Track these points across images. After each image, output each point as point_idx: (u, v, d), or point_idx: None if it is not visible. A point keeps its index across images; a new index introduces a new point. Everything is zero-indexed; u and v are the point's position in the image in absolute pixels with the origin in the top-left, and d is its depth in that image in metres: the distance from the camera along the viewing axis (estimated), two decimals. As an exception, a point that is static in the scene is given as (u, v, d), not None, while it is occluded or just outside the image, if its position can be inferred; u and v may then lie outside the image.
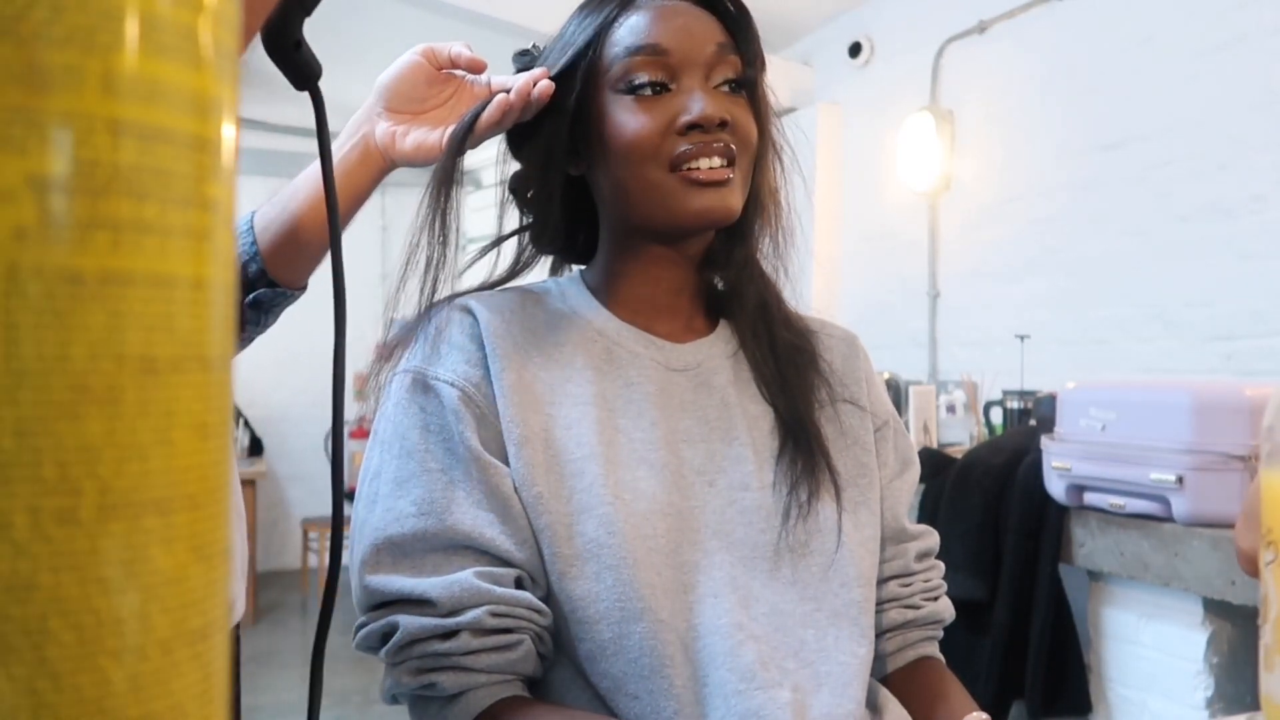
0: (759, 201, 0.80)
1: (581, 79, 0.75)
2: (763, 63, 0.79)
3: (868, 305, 3.44)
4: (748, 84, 0.77)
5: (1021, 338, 2.61)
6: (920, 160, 3.15)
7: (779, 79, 3.82)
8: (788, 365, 0.80)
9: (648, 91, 0.73)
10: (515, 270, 0.83)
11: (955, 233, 3.14)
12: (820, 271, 3.56)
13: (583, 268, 0.85)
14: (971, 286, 3.07)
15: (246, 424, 4.91)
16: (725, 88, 0.75)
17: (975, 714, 0.68)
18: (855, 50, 3.47)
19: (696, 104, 0.72)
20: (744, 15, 0.78)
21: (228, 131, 0.19)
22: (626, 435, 0.73)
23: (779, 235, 0.83)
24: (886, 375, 2.70)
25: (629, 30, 0.75)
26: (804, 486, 0.75)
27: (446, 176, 0.76)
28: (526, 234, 0.83)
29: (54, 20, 0.16)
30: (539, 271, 0.87)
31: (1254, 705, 1.57)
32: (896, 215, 3.34)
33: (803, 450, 0.77)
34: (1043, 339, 2.67)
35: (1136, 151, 2.50)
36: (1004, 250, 2.95)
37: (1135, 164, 2.49)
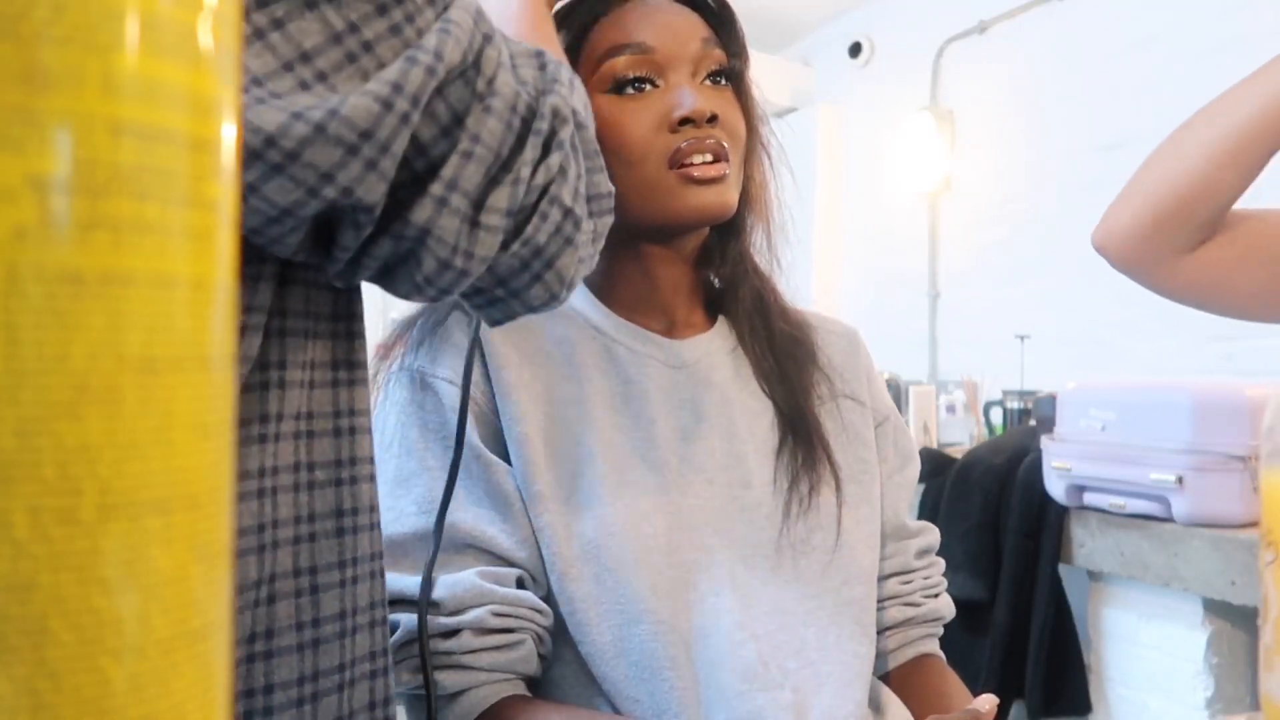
0: (749, 197, 0.80)
1: None
2: (746, 56, 0.79)
3: (868, 305, 3.44)
4: (733, 77, 0.77)
5: (1021, 338, 2.61)
6: (920, 160, 3.15)
7: (779, 79, 3.80)
8: (786, 359, 0.80)
9: (636, 89, 0.73)
10: None
11: (955, 233, 3.14)
12: (820, 271, 3.56)
13: None
14: (971, 286, 3.07)
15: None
16: (711, 81, 0.75)
17: (985, 696, 0.68)
18: (855, 50, 3.47)
19: (687, 99, 0.72)
20: (725, 9, 0.78)
21: (228, 131, 0.19)
22: (626, 433, 0.73)
23: (771, 230, 0.83)
24: (886, 375, 2.70)
25: (612, 29, 0.74)
26: (804, 480, 0.75)
27: None
28: None
29: (54, 20, 0.16)
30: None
31: (1254, 705, 1.56)
32: (896, 215, 3.34)
33: (803, 443, 0.77)
34: (1043, 339, 2.67)
35: (1136, 151, 2.49)
36: (1004, 250, 2.95)
37: (1135, 164, 2.48)
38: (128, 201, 0.16)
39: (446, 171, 0.44)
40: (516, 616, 0.67)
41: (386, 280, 0.47)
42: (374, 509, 0.54)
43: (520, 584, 0.69)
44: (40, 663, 0.16)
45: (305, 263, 0.47)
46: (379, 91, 0.41)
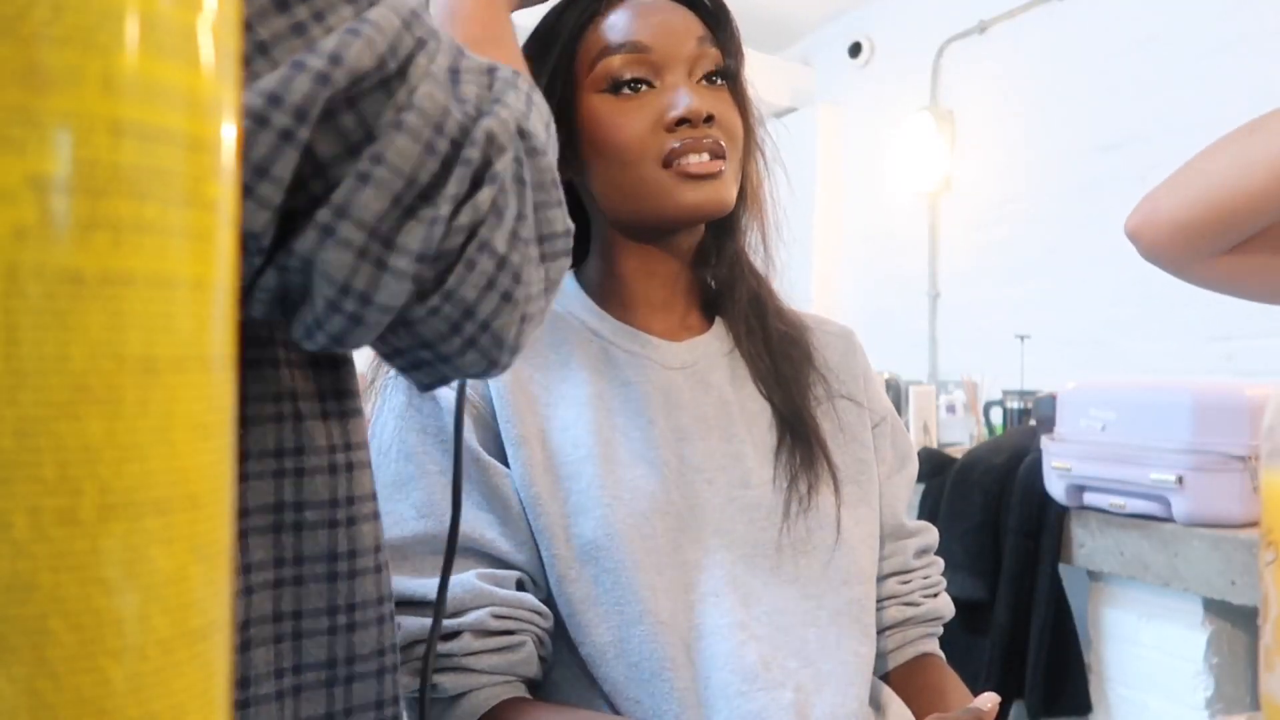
0: (745, 196, 0.80)
1: (561, 81, 0.75)
2: (742, 55, 0.79)
3: (868, 305, 3.44)
4: (729, 76, 0.77)
5: (1021, 338, 2.61)
6: (920, 160, 3.15)
7: (779, 79, 3.78)
8: (782, 359, 0.80)
9: (632, 90, 0.73)
10: None
11: (955, 233, 3.14)
12: (820, 271, 3.56)
13: (575, 268, 0.84)
14: (971, 286, 3.07)
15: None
16: (707, 81, 0.75)
17: (986, 694, 0.68)
18: (855, 50, 3.47)
19: (683, 99, 0.71)
20: (721, 7, 0.78)
21: (228, 131, 0.19)
22: (624, 434, 0.73)
23: (766, 228, 0.83)
24: (886, 375, 2.70)
25: (608, 29, 0.74)
26: (803, 480, 0.75)
27: None
28: None
29: (54, 20, 0.16)
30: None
31: (1254, 705, 1.56)
32: (896, 215, 3.34)
33: (801, 443, 0.77)
34: (1043, 339, 2.67)
35: (1136, 152, 2.50)
36: (1004, 250, 2.95)
37: (1135, 164, 2.49)
38: (128, 201, 0.16)
39: (337, 196, 0.37)
40: (517, 619, 0.67)
41: (288, 318, 0.41)
42: (379, 550, 0.49)
43: (520, 586, 0.69)
44: (40, 663, 0.16)
45: None
46: (251, 104, 0.35)
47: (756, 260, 0.83)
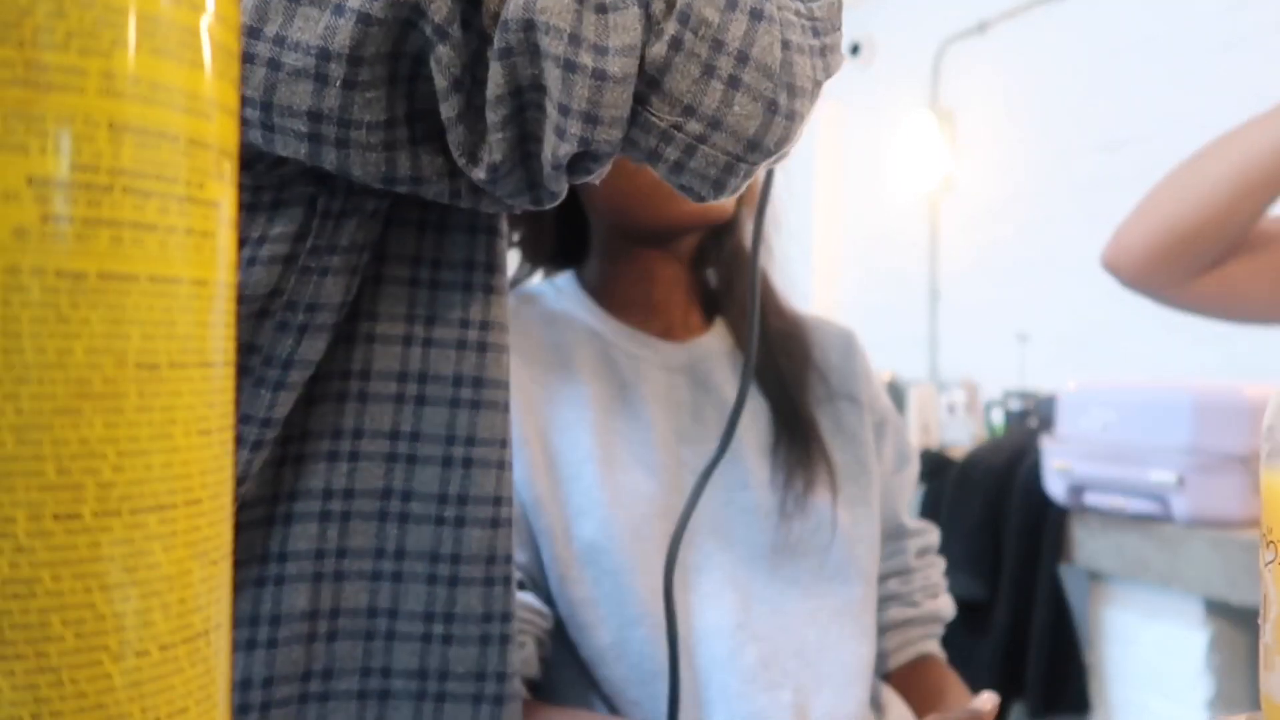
0: (742, 193, 0.80)
1: None
2: None
3: (868, 305, 3.44)
4: None
5: (1021, 338, 2.61)
6: (920, 160, 3.15)
7: (779, 79, 3.76)
8: (781, 355, 0.80)
9: None
10: (514, 283, 0.83)
11: (955, 233, 3.14)
12: (820, 271, 3.56)
13: (575, 269, 0.85)
14: (971, 286, 3.07)
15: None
16: None
17: (986, 694, 0.68)
18: (855, 50, 3.47)
19: None
20: None
21: (228, 131, 0.19)
22: (624, 437, 0.73)
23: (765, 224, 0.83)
24: (887, 375, 2.70)
25: None
26: (799, 478, 0.75)
27: None
28: (518, 247, 0.83)
29: (54, 20, 0.16)
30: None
31: (1254, 705, 1.56)
32: (896, 215, 3.34)
33: (798, 441, 0.77)
34: (1043, 339, 2.67)
35: (1136, 151, 2.50)
36: (1004, 250, 2.95)
37: (1135, 164, 2.49)
38: (128, 201, 0.16)
39: None
40: (518, 619, 0.67)
41: (528, 165, 0.35)
42: (492, 561, 0.46)
43: (521, 587, 0.69)
44: (41, 660, 0.16)
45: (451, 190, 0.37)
46: None
47: None
